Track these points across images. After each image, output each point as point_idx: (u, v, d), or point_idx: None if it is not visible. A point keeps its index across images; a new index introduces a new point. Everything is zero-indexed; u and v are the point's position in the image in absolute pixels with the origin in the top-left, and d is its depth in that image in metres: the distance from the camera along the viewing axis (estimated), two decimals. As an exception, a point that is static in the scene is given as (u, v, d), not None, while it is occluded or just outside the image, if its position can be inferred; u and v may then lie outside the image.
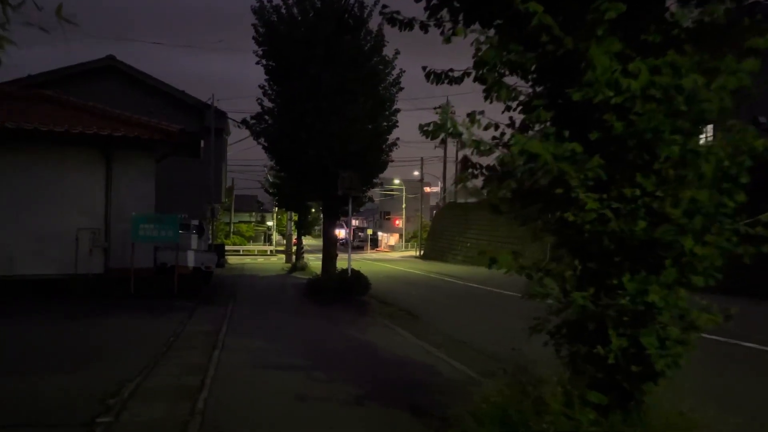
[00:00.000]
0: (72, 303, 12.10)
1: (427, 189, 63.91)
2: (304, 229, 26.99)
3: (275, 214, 68.30)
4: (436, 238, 43.93)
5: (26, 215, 13.28)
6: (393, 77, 14.88)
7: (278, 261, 37.77)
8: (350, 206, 14.87)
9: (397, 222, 75.00)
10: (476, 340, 9.48)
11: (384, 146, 14.83)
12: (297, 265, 26.22)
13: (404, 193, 71.61)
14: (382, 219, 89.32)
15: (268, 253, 58.20)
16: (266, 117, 15.13)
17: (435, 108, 3.66)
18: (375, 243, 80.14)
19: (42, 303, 11.92)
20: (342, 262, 15.92)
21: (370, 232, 77.10)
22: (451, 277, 23.55)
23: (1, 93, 15.13)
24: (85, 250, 13.91)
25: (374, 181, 15.33)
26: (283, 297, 15.49)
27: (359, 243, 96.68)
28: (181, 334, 8.87)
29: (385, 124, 14.63)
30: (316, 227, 42.16)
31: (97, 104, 15.68)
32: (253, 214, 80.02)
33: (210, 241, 27.71)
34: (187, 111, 26.92)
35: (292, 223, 33.38)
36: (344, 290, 14.62)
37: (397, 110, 14.63)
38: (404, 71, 14.79)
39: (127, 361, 6.82)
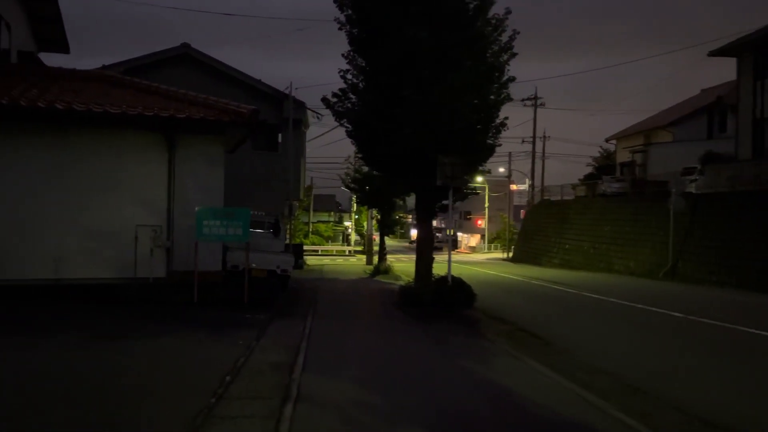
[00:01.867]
0: (122, 314, 10.08)
1: (513, 187, 60.17)
2: (387, 228, 24.59)
3: (353, 213, 66.78)
4: (528, 239, 40.44)
5: (77, 209, 11.49)
6: (503, 41, 12.06)
7: (358, 262, 35.65)
8: (450, 200, 12.21)
9: (479, 222, 71.59)
10: (654, 385, 6.59)
11: (492, 125, 12.02)
12: (380, 267, 23.84)
13: (487, 191, 68.16)
14: (462, 219, 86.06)
15: (347, 253, 56.65)
16: (350, 95, 12.69)
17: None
18: (455, 244, 77.06)
19: (83, 314, 9.94)
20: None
21: (450, 232, 74.03)
22: (556, 283, 20.40)
23: (55, 73, 13.51)
24: (145, 250, 12.00)
25: (480, 168, 12.56)
26: (371, 308, 13.04)
27: (438, 244, 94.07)
28: (243, 368, 6.49)
29: (492, 97, 11.83)
30: (396, 227, 39.71)
31: (161, 85, 13.81)
32: (332, 213, 79.06)
33: (287, 241, 25.86)
34: (264, 101, 25.09)
35: (374, 221, 31.06)
36: (444, 302, 11.99)
37: (511, 79, 11.79)
38: (518, 33, 11.94)
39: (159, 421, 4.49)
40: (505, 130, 12.29)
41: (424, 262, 12.76)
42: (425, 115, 11.26)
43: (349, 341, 8.66)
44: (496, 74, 11.75)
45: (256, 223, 16.45)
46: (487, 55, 11.94)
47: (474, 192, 12.64)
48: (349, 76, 12.52)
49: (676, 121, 38.63)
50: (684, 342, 9.83)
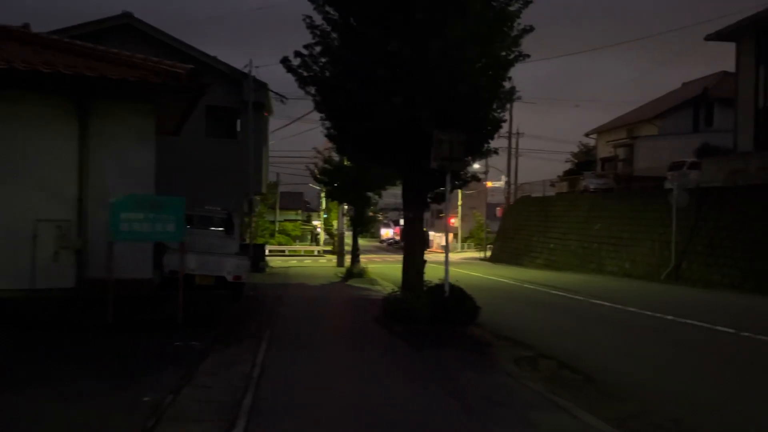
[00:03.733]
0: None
1: (488, 184, 57.97)
2: (360, 226, 21.86)
3: (322, 212, 63.79)
4: (507, 238, 38.15)
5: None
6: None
7: (327, 264, 32.86)
8: (448, 186, 9.56)
9: (451, 221, 69.27)
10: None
11: (501, 91, 9.37)
12: (353, 270, 21.09)
13: (460, 189, 65.94)
14: (434, 218, 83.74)
15: (315, 253, 53.76)
16: (320, 55, 9.90)
17: None
18: (427, 243, 74.69)
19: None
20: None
21: (424, 229, 71.56)
22: (552, 287, 18.00)
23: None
24: (48, 252, 9.09)
25: (485, 148, 9.84)
26: (347, 327, 10.25)
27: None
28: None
29: (504, 54, 9.19)
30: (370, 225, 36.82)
31: (76, 40, 10.86)
32: (300, 212, 75.87)
33: (247, 241, 22.90)
34: (220, 81, 22.13)
35: (346, 219, 28.29)
36: (442, 318, 9.35)
37: (527, 30, 9.08)
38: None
39: None
40: (516, 100, 9.65)
41: (413, 266, 10.05)
42: (419, 77, 8.57)
43: (321, 392, 5.88)
44: (508, 24, 9.10)
45: (205, 220, 13.57)
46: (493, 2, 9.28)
47: (476, 178, 9.94)
48: (319, 22, 9.71)
49: (662, 114, 36.85)
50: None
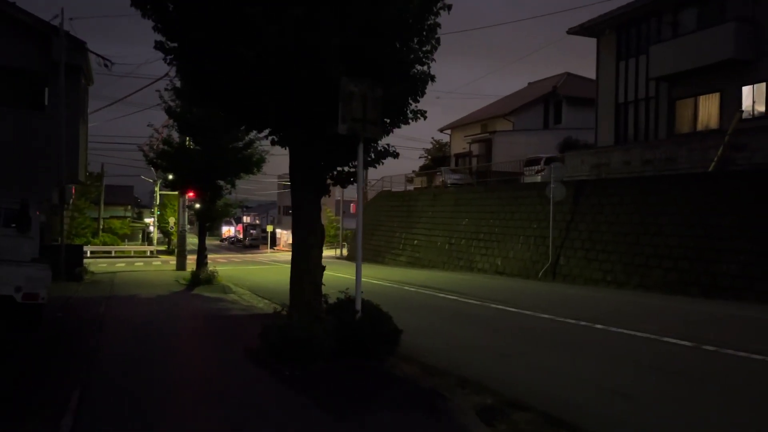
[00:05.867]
0: None
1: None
2: (210, 221, 18.06)
3: (156, 208, 57.24)
4: (366, 235, 36.00)
5: None
6: None
7: (164, 266, 28.19)
8: (360, 161, 6.66)
9: (301, 217, 65.81)
10: None
11: (426, 24, 6.61)
12: (200, 275, 17.28)
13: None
14: (281, 214, 79.75)
15: (148, 254, 47.76)
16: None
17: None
18: (273, 241, 70.67)
19: None
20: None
21: (270, 228, 67.40)
22: (434, 289, 15.97)
23: None
24: None
25: (408, 112, 6.99)
26: (212, 374, 6.80)
27: (252, 241, 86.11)
28: None
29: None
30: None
31: None
32: (129, 208, 67.93)
33: (57, 242, 18.03)
34: (23, 37, 17.20)
35: (188, 214, 24.07)
36: (352, 348, 6.48)
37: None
38: None
39: None
40: (435, 44, 6.93)
41: (307, 275, 6.98)
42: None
43: None
44: None
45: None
46: None
47: (393, 153, 7.12)
48: None
49: (515, 110, 37.07)
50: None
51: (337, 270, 23.67)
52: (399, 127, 7.05)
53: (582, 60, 43.02)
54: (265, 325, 6.91)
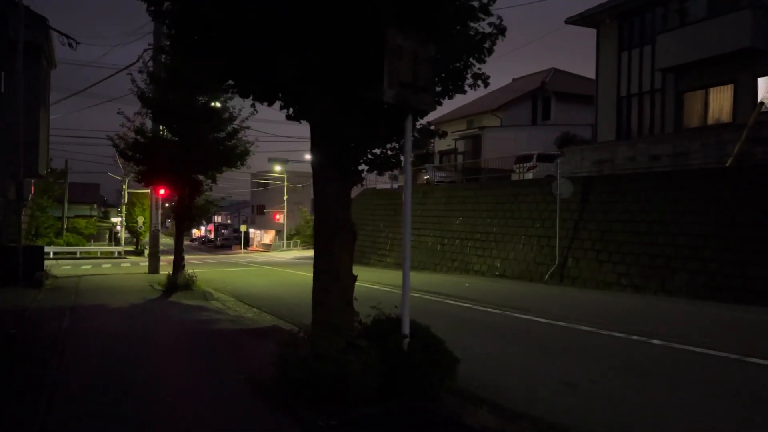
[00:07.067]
0: None
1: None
2: (189, 220, 16.19)
3: (124, 206, 54.62)
4: (349, 234, 34.30)
5: None
6: None
7: (135, 269, 26.10)
8: (408, 139, 5.09)
9: (277, 216, 63.98)
10: None
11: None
12: (177, 280, 15.44)
13: (286, 183, 61.03)
14: (255, 214, 77.49)
15: (116, 255, 45.27)
16: None
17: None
18: (247, 241, 68.47)
19: None
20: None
21: (244, 228, 65.21)
22: (444, 295, 14.50)
23: None
24: None
25: (468, 76, 5.38)
26: (209, 417, 5.16)
27: (223, 242, 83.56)
28: None
29: None
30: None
31: None
32: (95, 206, 64.91)
33: (13, 243, 16.00)
34: (-31, 8, 15.17)
35: (161, 211, 22.13)
36: (400, 386, 4.90)
37: None
38: None
39: None
40: None
41: (336, 287, 5.36)
42: None
43: None
44: None
45: None
46: None
47: (440, 132, 5.50)
48: None
49: (503, 105, 35.86)
50: None
51: (305, 270, 21.98)
52: (451, 97, 5.46)
53: (563, 54, 42.05)
54: (281, 354, 5.27)
